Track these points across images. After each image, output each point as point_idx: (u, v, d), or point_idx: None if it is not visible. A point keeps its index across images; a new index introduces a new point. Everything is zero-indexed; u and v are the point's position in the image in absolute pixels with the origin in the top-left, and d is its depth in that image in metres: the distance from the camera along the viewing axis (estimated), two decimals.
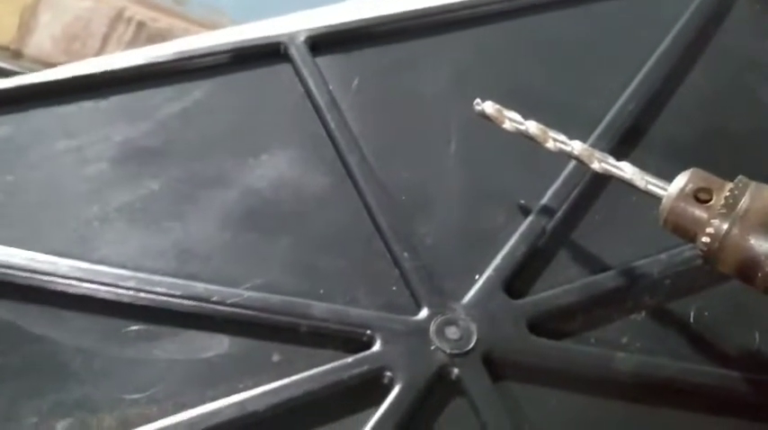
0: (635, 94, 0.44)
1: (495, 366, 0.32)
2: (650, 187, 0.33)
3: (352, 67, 0.44)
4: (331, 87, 0.43)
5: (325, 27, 0.45)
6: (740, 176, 0.32)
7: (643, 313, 0.35)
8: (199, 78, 0.42)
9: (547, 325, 0.34)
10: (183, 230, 0.36)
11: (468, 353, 0.33)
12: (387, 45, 0.46)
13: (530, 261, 0.36)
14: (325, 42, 0.45)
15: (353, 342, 0.33)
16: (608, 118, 0.43)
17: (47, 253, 0.34)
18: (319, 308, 0.34)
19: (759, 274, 0.30)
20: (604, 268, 0.37)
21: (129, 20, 1.18)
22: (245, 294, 0.34)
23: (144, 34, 1.17)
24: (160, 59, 0.42)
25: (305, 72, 0.43)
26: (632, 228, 0.38)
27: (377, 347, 0.33)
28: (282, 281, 0.35)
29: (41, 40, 1.18)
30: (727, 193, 0.31)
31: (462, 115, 0.42)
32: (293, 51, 0.44)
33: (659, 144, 0.43)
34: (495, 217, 0.38)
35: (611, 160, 0.35)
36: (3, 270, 0.33)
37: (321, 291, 0.35)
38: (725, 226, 0.30)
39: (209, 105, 0.42)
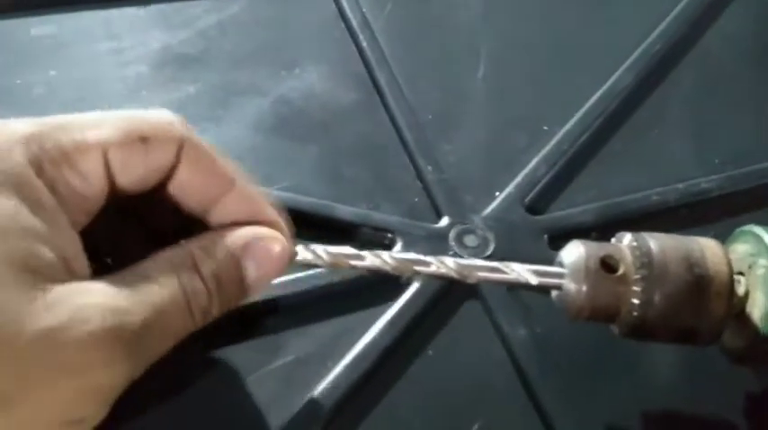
0: (663, 33, 0.45)
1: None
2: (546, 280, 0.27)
3: None
4: (364, 10, 0.43)
5: None
6: (619, 234, 0.29)
7: None
8: None
9: (563, 240, 0.35)
10: (217, 132, 0.37)
11: (485, 259, 0.34)
12: None
13: (550, 181, 0.37)
14: None
15: (375, 243, 0.34)
16: (633, 56, 0.43)
17: None
18: (344, 210, 0.35)
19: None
20: (623, 193, 0.37)
21: None
22: (273, 193, 0.35)
23: None
24: None
25: None
26: (652, 157, 0.39)
27: (397, 248, 0.34)
28: (309, 185, 0.36)
29: None
30: (632, 254, 0.27)
31: (492, 42, 0.43)
32: None
33: (684, 83, 0.43)
34: (518, 139, 0.39)
35: (493, 263, 0.28)
36: None
37: (346, 198, 0.36)
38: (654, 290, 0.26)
39: (245, 19, 0.43)
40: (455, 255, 0.34)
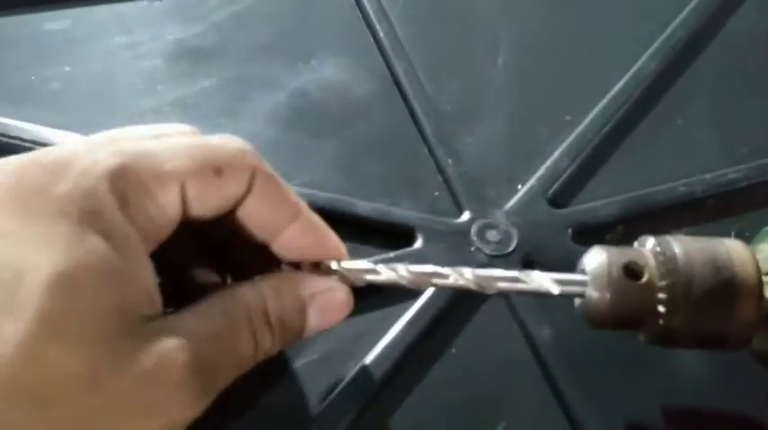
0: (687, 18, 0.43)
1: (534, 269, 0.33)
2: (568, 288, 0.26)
3: None
4: None
5: None
6: (641, 238, 0.28)
7: (683, 230, 0.36)
8: None
9: (587, 234, 0.34)
10: (233, 126, 0.37)
11: (507, 255, 0.33)
12: None
13: (573, 173, 0.37)
14: None
15: (395, 239, 0.34)
16: (657, 43, 0.42)
17: None
18: (363, 206, 0.34)
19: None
20: (647, 185, 0.37)
21: None
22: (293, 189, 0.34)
23: None
24: None
25: None
26: (677, 147, 0.38)
27: (418, 244, 0.33)
28: (328, 180, 0.36)
29: None
30: (656, 259, 0.26)
31: (512, 31, 0.42)
32: None
33: (710, 69, 0.42)
34: (540, 130, 0.38)
35: (512, 273, 0.27)
36: None
37: (365, 193, 0.35)
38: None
39: (260, 10, 0.42)
40: (477, 250, 0.33)
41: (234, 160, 0.25)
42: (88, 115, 0.36)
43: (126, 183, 0.22)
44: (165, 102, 0.37)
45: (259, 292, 0.25)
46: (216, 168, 0.24)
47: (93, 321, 0.20)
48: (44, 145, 0.34)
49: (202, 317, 0.23)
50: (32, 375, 0.19)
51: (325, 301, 0.26)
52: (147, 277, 0.23)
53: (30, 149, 0.34)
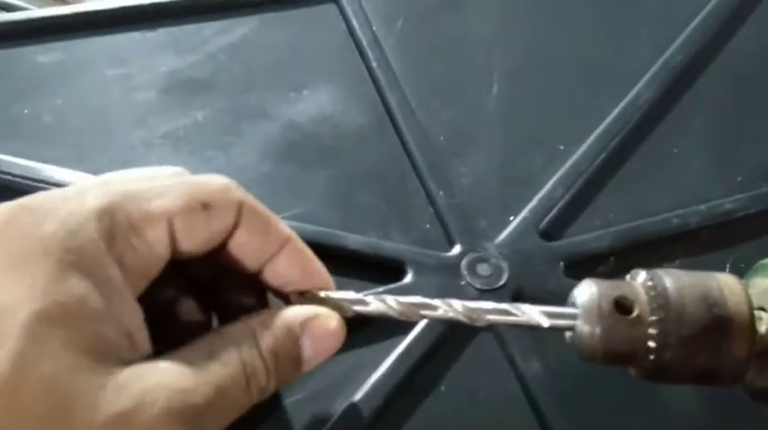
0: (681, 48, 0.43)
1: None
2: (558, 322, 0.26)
3: (396, 9, 0.44)
4: (374, 28, 0.43)
5: None
6: (633, 271, 0.27)
7: (677, 262, 0.35)
8: (246, 14, 0.43)
9: (579, 267, 0.34)
10: (225, 159, 0.37)
11: (497, 289, 0.33)
12: None
13: (566, 204, 0.36)
14: None
15: (385, 273, 0.33)
16: (651, 72, 0.42)
17: (91, 173, 0.35)
18: (353, 239, 0.34)
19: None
20: (641, 216, 0.36)
21: None
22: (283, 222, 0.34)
23: None
24: None
25: (349, 11, 0.43)
26: (672, 177, 0.38)
27: (408, 279, 0.33)
28: (319, 212, 0.36)
29: None
30: (647, 294, 0.25)
31: (506, 61, 0.42)
32: None
33: (706, 96, 0.42)
34: (533, 161, 0.38)
35: (502, 306, 0.26)
36: (49, 187, 0.34)
37: (355, 225, 0.35)
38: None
39: (255, 41, 0.42)
40: (467, 285, 0.33)
41: (220, 194, 0.25)
42: (80, 149, 0.36)
43: (113, 222, 0.23)
44: (156, 134, 0.37)
45: (248, 328, 0.25)
46: (203, 203, 0.24)
47: (66, 361, 0.21)
48: (35, 180, 0.34)
49: (187, 358, 0.23)
50: (7, 410, 0.20)
51: (317, 328, 0.26)
52: (129, 318, 0.23)
53: (21, 184, 0.34)
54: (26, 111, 0.38)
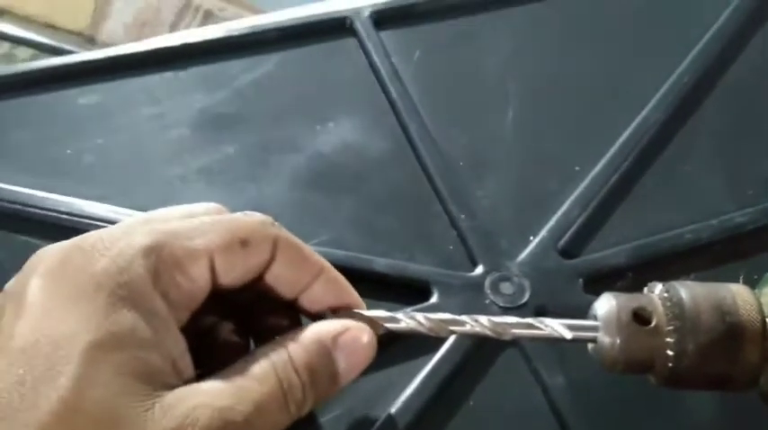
0: (689, 68, 0.45)
1: None
2: (580, 334, 0.28)
3: (413, 41, 0.46)
4: (393, 60, 0.45)
5: (389, 2, 0.47)
6: (650, 284, 0.29)
7: (692, 276, 0.37)
8: (271, 51, 0.45)
9: (598, 283, 0.36)
10: (256, 191, 0.39)
11: (520, 307, 0.34)
12: (447, 20, 0.48)
13: (583, 223, 0.38)
14: (388, 17, 0.47)
15: (412, 294, 0.35)
16: (661, 92, 0.44)
17: (132, 209, 0.37)
18: (380, 262, 0.36)
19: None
20: (655, 232, 0.38)
21: (197, 9, 1.23)
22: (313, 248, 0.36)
23: (211, 24, 1.22)
24: (235, 33, 0.45)
25: (369, 45, 0.45)
26: (684, 194, 0.40)
27: (434, 299, 0.35)
28: (346, 238, 0.37)
29: (114, 27, 1.23)
30: (664, 305, 0.27)
31: (520, 86, 0.44)
32: (358, 26, 0.46)
33: (714, 115, 0.43)
34: (550, 182, 0.40)
35: (527, 320, 0.28)
36: (93, 222, 0.36)
37: (381, 249, 0.37)
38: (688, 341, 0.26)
39: (280, 76, 0.44)
40: (491, 303, 0.34)
41: (257, 231, 0.27)
42: (120, 186, 0.38)
43: (159, 259, 0.25)
44: (191, 169, 0.39)
45: (281, 345, 0.26)
46: (241, 240, 0.26)
47: (117, 386, 0.22)
48: (80, 216, 0.36)
49: (226, 379, 0.25)
50: None
51: (350, 341, 0.27)
52: (173, 347, 0.25)
53: (67, 221, 0.36)
54: (68, 151, 0.40)
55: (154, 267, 0.24)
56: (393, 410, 0.31)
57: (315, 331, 0.27)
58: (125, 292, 0.24)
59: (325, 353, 0.27)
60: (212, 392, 0.24)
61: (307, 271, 0.28)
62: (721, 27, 0.47)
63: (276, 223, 0.28)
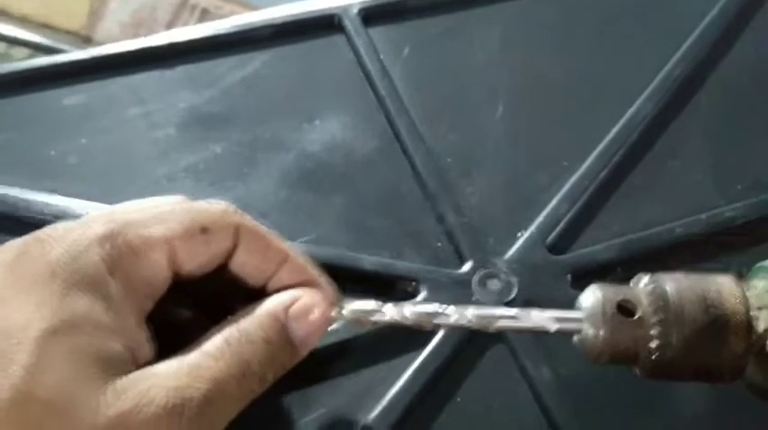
0: (679, 62, 0.45)
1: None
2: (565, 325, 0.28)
3: (402, 38, 0.46)
4: (382, 56, 0.44)
5: None
6: (637, 276, 0.29)
7: (682, 271, 0.36)
8: (259, 49, 0.45)
9: (586, 279, 0.35)
10: (243, 189, 0.39)
11: (508, 303, 0.34)
12: (436, 17, 0.47)
13: (572, 219, 0.38)
14: (377, 14, 0.46)
15: (400, 291, 0.35)
16: (651, 87, 0.43)
17: None
18: (368, 260, 0.36)
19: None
20: (645, 227, 0.38)
21: (194, 7, 1.22)
22: (299, 246, 0.36)
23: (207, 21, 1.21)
24: (222, 31, 0.45)
25: (357, 42, 0.45)
26: (673, 190, 0.39)
27: (422, 297, 0.34)
28: (334, 235, 0.37)
29: (110, 27, 1.23)
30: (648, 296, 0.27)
31: (508, 82, 0.44)
32: (347, 23, 0.46)
33: (704, 110, 0.43)
34: (539, 178, 0.40)
35: (512, 312, 0.28)
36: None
37: (370, 246, 0.37)
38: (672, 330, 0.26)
39: (267, 74, 0.44)
40: (478, 300, 0.34)
41: (218, 219, 0.27)
42: (106, 185, 0.38)
43: (113, 247, 0.25)
44: (178, 168, 0.39)
45: (234, 321, 0.27)
46: (202, 227, 0.27)
47: (69, 371, 0.23)
48: (65, 217, 0.36)
49: (182, 358, 0.25)
50: (18, 418, 0.22)
51: (302, 309, 0.28)
52: (132, 333, 0.25)
53: (51, 222, 0.36)
54: (53, 152, 0.39)
55: (109, 254, 0.25)
56: (380, 407, 0.31)
57: (266, 304, 0.27)
58: (79, 278, 0.24)
59: (279, 324, 0.27)
60: (167, 373, 0.24)
61: (271, 258, 0.28)
62: (711, 22, 0.46)
63: (239, 211, 0.28)
